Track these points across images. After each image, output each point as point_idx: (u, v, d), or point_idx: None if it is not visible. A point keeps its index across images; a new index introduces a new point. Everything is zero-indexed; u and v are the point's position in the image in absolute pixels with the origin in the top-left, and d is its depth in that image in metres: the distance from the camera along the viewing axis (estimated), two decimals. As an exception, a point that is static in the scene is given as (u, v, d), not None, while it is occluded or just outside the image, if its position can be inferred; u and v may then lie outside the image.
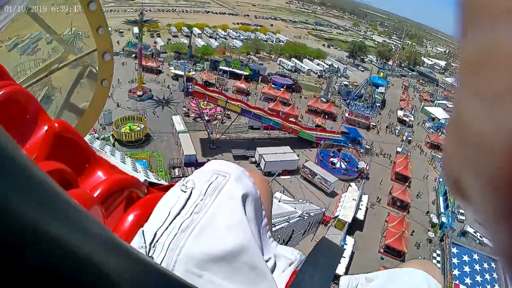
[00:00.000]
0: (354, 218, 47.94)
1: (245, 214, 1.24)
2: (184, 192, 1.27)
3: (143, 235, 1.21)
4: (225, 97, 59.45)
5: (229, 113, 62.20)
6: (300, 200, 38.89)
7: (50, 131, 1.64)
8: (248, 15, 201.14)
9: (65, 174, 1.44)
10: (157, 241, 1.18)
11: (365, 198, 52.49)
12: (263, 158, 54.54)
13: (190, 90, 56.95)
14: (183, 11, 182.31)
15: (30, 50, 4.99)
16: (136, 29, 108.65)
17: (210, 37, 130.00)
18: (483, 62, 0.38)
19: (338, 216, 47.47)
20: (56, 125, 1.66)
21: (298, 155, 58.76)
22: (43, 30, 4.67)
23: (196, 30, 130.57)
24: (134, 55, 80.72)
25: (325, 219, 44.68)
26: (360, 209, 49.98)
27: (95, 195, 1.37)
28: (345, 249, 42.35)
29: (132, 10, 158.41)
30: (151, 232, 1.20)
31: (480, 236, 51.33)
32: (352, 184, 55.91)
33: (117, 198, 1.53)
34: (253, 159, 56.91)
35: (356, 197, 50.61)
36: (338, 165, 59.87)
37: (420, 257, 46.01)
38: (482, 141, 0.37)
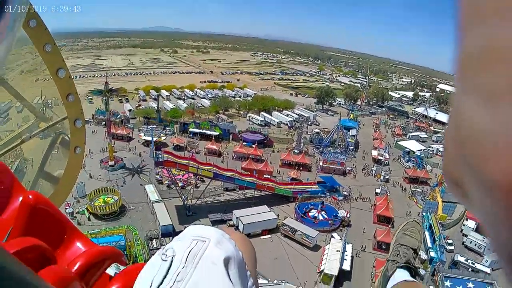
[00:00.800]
0: (341, 270, 46.83)
1: (229, 279, 1.18)
2: (165, 261, 1.18)
3: None
4: (196, 162, 59.20)
5: (202, 177, 61.58)
6: (276, 281, 39.45)
7: (24, 203, 1.57)
8: (214, 72, 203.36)
9: (42, 250, 1.41)
10: None
11: (349, 247, 51.24)
12: (241, 221, 53.51)
13: (160, 159, 56.66)
14: (150, 73, 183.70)
15: (1, 120, 5.03)
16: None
17: (179, 98, 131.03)
18: (481, 61, 0.38)
19: (323, 270, 46.38)
20: (30, 197, 1.57)
21: (277, 214, 57.85)
22: (13, 98, 4.62)
23: (164, 93, 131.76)
24: (104, 122, 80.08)
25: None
26: (346, 259, 48.65)
27: (74, 269, 1.37)
28: None
29: (100, 75, 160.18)
30: None
31: (471, 263, 50.90)
32: (335, 234, 54.83)
33: (97, 270, 1.51)
34: (231, 222, 55.64)
35: (340, 248, 49.40)
36: (319, 217, 59.25)
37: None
38: (480, 140, 0.37)
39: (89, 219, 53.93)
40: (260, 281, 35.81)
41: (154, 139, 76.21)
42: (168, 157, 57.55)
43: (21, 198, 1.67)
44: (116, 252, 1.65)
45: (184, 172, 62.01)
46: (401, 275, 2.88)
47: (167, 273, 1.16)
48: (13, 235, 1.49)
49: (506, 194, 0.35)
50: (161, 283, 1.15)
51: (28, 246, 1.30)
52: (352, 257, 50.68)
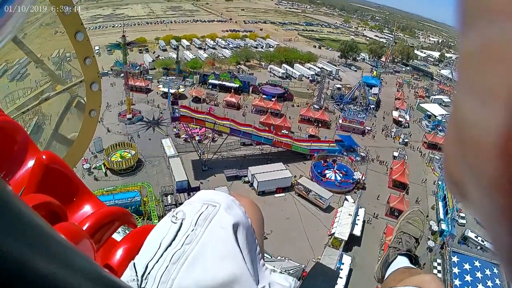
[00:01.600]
0: (351, 235, 46.77)
1: (237, 243, 1.24)
2: (175, 223, 1.27)
3: (135, 267, 1.22)
4: (214, 117, 58.74)
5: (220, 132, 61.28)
6: (279, 258, 38.77)
7: (38, 163, 1.62)
8: (237, 22, 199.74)
9: (54, 207, 1.46)
10: (148, 274, 1.18)
11: (361, 212, 51.08)
12: (256, 178, 53.37)
13: (177, 115, 56.04)
14: (171, 22, 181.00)
15: (20, 76, 5.09)
16: None
17: (200, 48, 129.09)
18: (481, 60, 0.38)
19: (334, 233, 46.48)
20: (44, 157, 1.63)
21: (293, 171, 57.58)
22: (30, 59, 4.63)
23: (185, 42, 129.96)
24: (122, 74, 78.65)
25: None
26: (357, 224, 48.61)
27: (84, 228, 1.40)
28: (341, 269, 41.42)
29: (120, 25, 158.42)
30: (142, 264, 1.21)
31: (481, 241, 50.19)
32: (348, 197, 54.74)
33: (107, 230, 1.55)
34: (246, 179, 55.80)
35: (352, 212, 49.32)
36: (333, 178, 58.73)
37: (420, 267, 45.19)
38: (480, 139, 0.38)
39: (106, 174, 54.21)
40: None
41: (173, 91, 75.80)
42: (185, 112, 56.76)
43: (35, 158, 1.69)
44: (126, 212, 1.68)
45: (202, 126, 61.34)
46: (402, 261, 2.87)
47: (176, 235, 1.23)
48: (26, 192, 1.52)
49: (505, 194, 0.36)
50: (170, 245, 1.22)
51: (40, 203, 1.34)
52: (364, 221, 50.57)
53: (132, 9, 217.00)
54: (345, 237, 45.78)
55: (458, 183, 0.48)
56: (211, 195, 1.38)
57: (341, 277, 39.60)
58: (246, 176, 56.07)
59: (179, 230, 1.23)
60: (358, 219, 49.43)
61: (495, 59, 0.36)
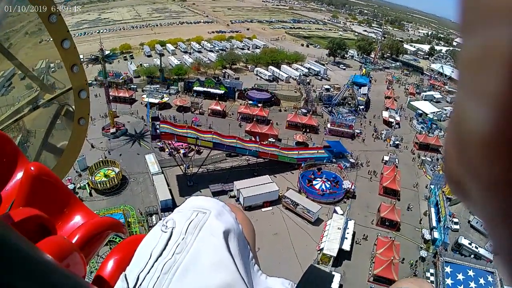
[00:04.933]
0: (340, 249, 45.39)
1: (229, 250, 1.23)
2: (165, 232, 1.24)
3: (126, 279, 1.20)
4: (196, 131, 57.38)
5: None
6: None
7: (27, 175, 1.63)
8: (223, 21, 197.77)
9: (42, 221, 1.45)
10: (140, 285, 1.16)
11: (351, 224, 49.69)
12: (241, 193, 51.95)
13: (158, 132, 54.67)
14: (157, 25, 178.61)
15: (4, 90, 5.00)
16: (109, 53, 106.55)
17: (185, 52, 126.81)
18: (481, 62, 0.38)
19: (323, 248, 45.09)
20: (32, 168, 1.63)
21: (279, 182, 56.24)
22: (15, 68, 4.54)
23: (170, 47, 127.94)
24: (108, 83, 75.67)
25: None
26: (346, 238, 47.11)
27: (74, 240, 1.42)
28: (333, 274, 39.75)
29: (105, 31, 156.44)
30: (134, 275, 1.19)
31: (475, 247, 49.43)
32: (338, 208, 53.38)
33: (97, 241, 1.57)
34: (232, 194, 54.31)
35: (341, 225, 47.69)
36: (322, 187, 57.38)
37: (411, 277, 43.93)
38: (480, 141, 0.38)
39: (90, 194, 52.97)
40: None
41: (156, 100, 74.21)
42: (166, 128, 55.39)
43: (24, 169, 1.68)
44: (116, 222, 1.68)
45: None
46: None
47: (166, 244, 1.21)
48: (16, 205, 1.55)
49: (505, 195, 0.36)
50: (160, 254, 1.19)
51: (28, 217, 1.35)
52: (354, 232, 49.16)
53: (118, 12, 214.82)
54: (334, 253, 44.37)
55: (458, 182, 0.48)
56: (201, 202, 1.38)
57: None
58: (232, 190, 54.61)
59: (169, 239, 1.21)
60: (347, 232, 47.98)
61: (498, 61, 0.36)
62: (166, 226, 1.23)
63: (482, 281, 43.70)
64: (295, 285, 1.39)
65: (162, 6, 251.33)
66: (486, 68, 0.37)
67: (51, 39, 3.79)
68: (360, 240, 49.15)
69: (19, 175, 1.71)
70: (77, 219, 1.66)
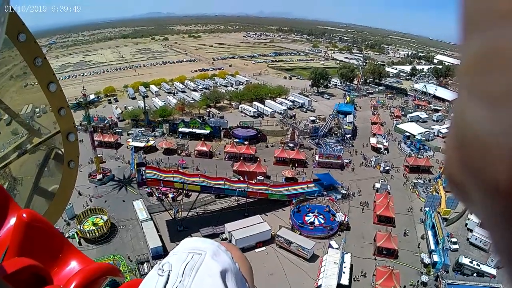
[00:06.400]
0: (339, 285, 44.18)
1: None
2: (161, 276, 1.22)
3: None
4: (182, 175, 56.87)
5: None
6: None
7: (19, 222, 1.62)
8: (205, 59, 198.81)
9: (38, 270, 1.45)
10: None
11: (347, 258, 48.60)
12: (233, 236, 51.06)
13: (144, 178, 54.08)
14: (140, 66, 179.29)
15: None
16: (93, 96, 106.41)
17: (169, 92, 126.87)
18: (484, 64, 0.39)
19: (321, 286, 43.84)
20: (24, 215, 1.63)
21: (271, 221, 55.39)
22: (3, 112, 4.53)
23: (154, 88, 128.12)
24: (92, 128, 75.66)
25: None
26: (344, 272, 46.09)
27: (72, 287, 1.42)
28: None
29: (89, 74, 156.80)
30: None
31: (477, 265, 48.78)
32: (332, 242, 52.26)
33: (95, 287, 1.55)
34: (224, 236, 53.16)
35: (337, 260, 46.70)
36: (315, 222, 56.66)
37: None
38: (482, 143, 0.38)
39: (80, 243, 51.83)
40: None
41: (142, 144, 73.61)
42: (151, 174, 54.93)
43: (16, 216, 1.66)
44: (112, 267, 1.67)
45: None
46: None
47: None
48: (10, 254, 1.52)
49: (507, 198, 0.37)
50: None
51: (22, 268, 1.35)
52: (351, 265, 48.21)
53: (101, 54, 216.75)
54: (333, 290, 42.93)
55: (460, 185, 0.48)
56: (196, 243, 1.34)
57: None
58: (223, 232, 53.61)
59: (166, 282, 1.18)
60: (344, 266, 46.93)
61: (500, 64, 0.36)
62: (163, 270, 1.20)
63: (486, 298, 42.53)
64: None
65: (145, 46, 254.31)
66: (493, 70, 0.36)
67: (37, 83, 3.87)
68: (359, 277, 47.91)
69: (12, 221, 1.67)
70: (73, 265, 1.63)
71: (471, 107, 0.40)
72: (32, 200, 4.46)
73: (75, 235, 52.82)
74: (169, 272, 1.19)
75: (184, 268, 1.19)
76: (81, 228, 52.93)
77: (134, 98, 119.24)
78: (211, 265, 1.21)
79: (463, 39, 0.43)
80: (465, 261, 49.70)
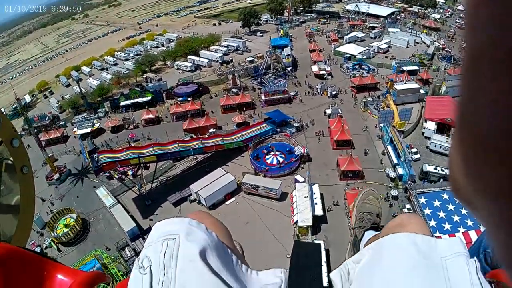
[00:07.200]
0: (314, 216, 44.53)
1: (212, 270, 1.23)
2: (144, 274, 1.23)
3: None
4: (135, 149, 56.29)
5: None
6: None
7: None
8: (130, 26, 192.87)
9: None
10: None
11: (316, 188, 48.75)
12: (201, 195, 50.62)
13: (98, 165, 53.47)
14: (67, 51, 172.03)
15: None
16: (28, 98, 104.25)
17: (101, 69, 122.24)
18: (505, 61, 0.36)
19: (297, 222, 44.35)
20: None
21: (234, 171, 55.23)
22: None
23: (86, 69, 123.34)
24: (36, 130, 72.70)
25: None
26: (316, 204, 46.31)
27: None
28: (319, 243, 39.36)
29: (19, 74, 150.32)
30: None
31: (441, 170, 49.63)
32: (298, 176, 52.49)
33: None
34: (192, 198, 52.82)
35: (307, 193, 46.90)
36: (275, 161, 57.07)
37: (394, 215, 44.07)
38: (483, 144, 0.38)
39: (58, 250, 50.89)
40: None
41: (88, 130, 71.96)
42: (105, 157, 54.24)
43: None
44: (97, 274, 1.65)
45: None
46: (370, 234, 2.69)
47: (151, 286, 1.19)
48: None
49: (508, 201, 0.37)
50: None
51: None
52: (321, 195, 48.39)
53: (25, 51, 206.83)
54: (310, 222, 43.69)
55: (463, 191, 0.48)
56: (167, 227, 1.34)
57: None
58: (190, 195, 53.10)
59: (151, 280, 1.18)
60: (315, 197, 47.16)
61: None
62: (143, 267, 1.19)
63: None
64: (287, 271, 1.44)
65: (66, 29, 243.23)
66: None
67: None
68: (332, 207, 48.39)
69: None
70: (61, 281, 1.53)
71: (480, 107, 0.40)
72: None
73: (52, 243, 51.51)
74: (150, 268, 1.18)
75: (164, 259, 1.18)
76: (55, 234, 51.52)
77: (68, 86, 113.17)
78: (189, 248, 1.20)
79: (476, 34, 0.41)
80: (429, 168, 50.95)
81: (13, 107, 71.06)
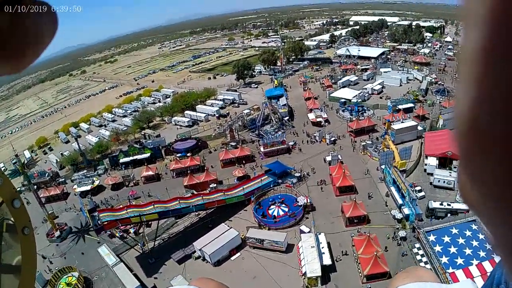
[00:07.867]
0: (323, 266, 43.73)
1: None
2: None
3: None
4: (136, 207, 55.90)
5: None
6: None
7: None
8: (127, 82, 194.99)
9: None
10: None
11: (322, 237, 48.20)
12: (205, 252, 49.74)
13: (99, 223, 53.02)
14: (65, 107, 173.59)
15: None
16: (28, 154, 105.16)
17: (100, 126, 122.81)
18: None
19: (305, 273, 43.40)
20: None
21: (237, 226, 54.35)
22: None
23: (84, 126, 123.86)
24: (35, 186, 72.39)
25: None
26: (324, 253, 45.66)
27: None
28: None
29: (18, 129, 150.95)
30: None
31: (447, 205, 49.76)
32: (303, 227, 52.04)
33: None
34: (196, 255, 51.83)
35: (313, 243, 46.27)
36: (279, 213, 56.20)
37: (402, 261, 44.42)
38: (484, 145, 0.39)
39: None
40: None
41: (89, 187, 72.00)
42: (106, 216, 53.73)
43: None
44: None
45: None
46: None
47: None
48: None
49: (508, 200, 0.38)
50: None
51: None
52: (328, 243, 47.65)
53: (24, 105, 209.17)
54: (318, 273, 42.92)
55: (469, 193, 0.48)
56: None
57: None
58: (194, 252, 52.13)
59: None
60: (322, 247, 46.53)
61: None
62: None
63: (468, 232, 43.73)
64: None
65: (64, 85, 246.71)
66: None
67: None
68: (340, 257, 47.50)
69: None
70: None
71: (485, 105, 0.40)
72: (1, 282, 4.01)
73: (54, 304, 49.71)
74: None
75: None
76: (57, 294, 49.87)
77: (67, 142, 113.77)
78: None
79: (479, 29, 0.44)
80: (435, 205, 50.65)
81: (13, 162, 70.83)
